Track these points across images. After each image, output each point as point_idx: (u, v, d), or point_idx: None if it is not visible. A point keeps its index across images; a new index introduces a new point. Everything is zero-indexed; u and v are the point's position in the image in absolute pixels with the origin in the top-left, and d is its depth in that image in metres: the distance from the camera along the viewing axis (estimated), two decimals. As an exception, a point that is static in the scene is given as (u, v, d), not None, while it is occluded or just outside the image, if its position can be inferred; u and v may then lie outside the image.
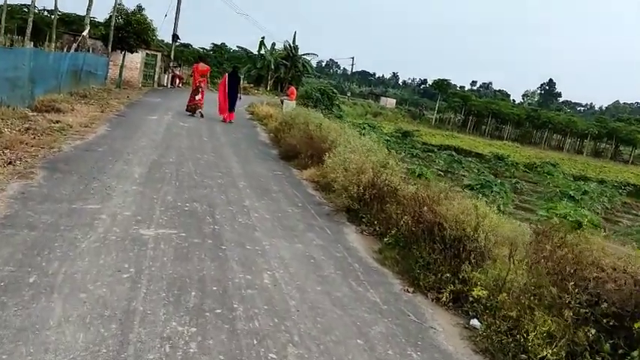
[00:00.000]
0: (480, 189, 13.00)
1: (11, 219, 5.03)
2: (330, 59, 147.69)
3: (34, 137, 9.17)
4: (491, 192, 13.73)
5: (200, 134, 13.35)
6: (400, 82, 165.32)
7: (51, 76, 14.98)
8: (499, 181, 16.22)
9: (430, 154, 21.68)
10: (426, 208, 6.15)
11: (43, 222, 5.08)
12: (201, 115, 17.06)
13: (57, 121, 11.08)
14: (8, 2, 44.66)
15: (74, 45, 20.07)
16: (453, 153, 23.75)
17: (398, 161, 9.59)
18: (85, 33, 20.55)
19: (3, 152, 7.68)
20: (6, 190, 5.86)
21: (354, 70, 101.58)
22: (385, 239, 6.60)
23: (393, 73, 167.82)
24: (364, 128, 23.75)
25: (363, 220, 7.39)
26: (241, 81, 19.58)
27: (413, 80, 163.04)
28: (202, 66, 18.37)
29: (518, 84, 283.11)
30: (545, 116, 70.21)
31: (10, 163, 7.18)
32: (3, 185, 6.04)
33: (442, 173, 17.66)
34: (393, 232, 6.62)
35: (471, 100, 72.75)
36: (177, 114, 17.05)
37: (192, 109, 17.24)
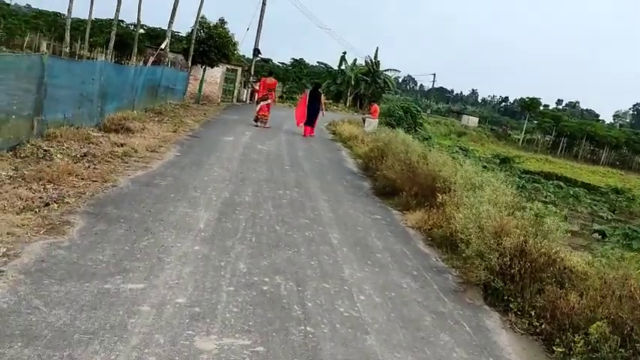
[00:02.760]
0: (626, 239, 10.23)
1: (3, 317, 3.28)
2: (408, 75, 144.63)
3: (89, 166, 7.67)
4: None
5: (281, 161, 11.56)
6: (479, 99, 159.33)
7: (124, 92, 13.85)
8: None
9: (536, 184, 18.75)
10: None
11: (50, 324, 3.29)
12: (264, 124, 17.54)
13: (121, 144, 9.66)
14: (99, 17, 46.17)
15: (151, 58, 19.19)
16: (562, 184, 20.66)
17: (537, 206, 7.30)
18: (163, 45, 19.66)
19: (45, 188, 6.15)
20: (21, 256, 4.18)
21: (431, 87, 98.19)
22: (558, 349, 4.33)
23: (472, 89, 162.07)
24: (456, 152, 21.16)
25: (511, 305, 5.15)
26: (322, 97, 19.01)
27: (493, 97, 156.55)
28: (270, 80, 18.54)
29: (607, 103, 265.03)
30: (649, 139, 63.56)
31: (47, 204, 5.60)
32: (21, 246, 4.37)
33: (555, 209, 14.80)
34: (569, 335, 4.37)
35: (563, 120, 67.32)
36: (256, 134, 15.48)
37: (257, 118, 17.69)
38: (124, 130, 11.70)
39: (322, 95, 19.11)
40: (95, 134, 10.15)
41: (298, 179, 9.77)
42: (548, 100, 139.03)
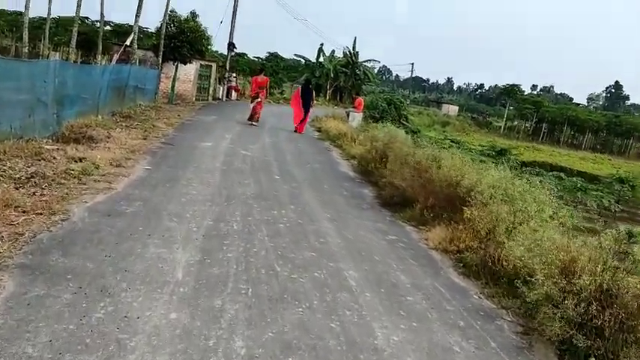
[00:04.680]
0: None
1: None
2: (384, 65, 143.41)
3: (35, 192, 6.14)
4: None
5: (269, 168, 10.11)
6: (455, 87, 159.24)
7: (86, 94, 12.18)
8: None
9: (538, 177, 17.65)
10: None
11: None
12: (252, 124, 17.17)
13: (80, 159, 8.09)
14: (63, 14, 43.74)
15: (116, 56, 17.42)
16: (562, 175, 19.63)
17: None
18: (128, 41, 17.88)
19: (-31, 229, 4.64)
20: None
21: (407, 77, 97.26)
22: None
23: (448, 78, 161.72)
24: (449, 146, 19.92)
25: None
26: (314, 93, 18.99)
27: (468, 85, 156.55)
28: (261, 78, 18.24)
29: (579, 87, 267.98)
30: (628, 122, 63.50)
31: (-34, 257, 4.10)
32: None
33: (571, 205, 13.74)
34: None
35: (544, 106, 66.86)
36: (237, 136, 13.97)
37: (251, 117, 17.48)
38: (86, 139, 10.12)
39: (313, 91, 18.96)
40: (49, 147, 8.57)
41: (292, 192, 8.34)
42: (524, 86, 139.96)
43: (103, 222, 5.46)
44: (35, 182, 6.51)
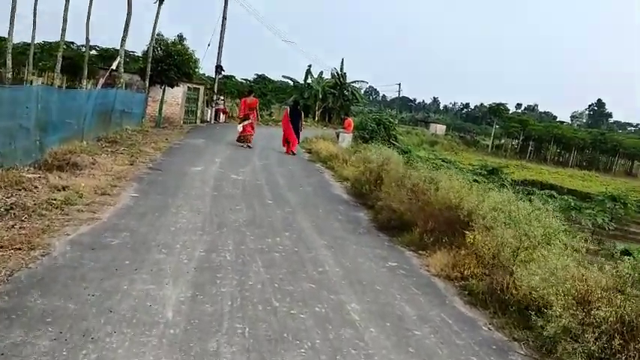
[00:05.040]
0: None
1: None
2: (370, 86, 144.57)
3: (15, 225, 5.78)
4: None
5: (261, 193, 9.80)
6: (441, 106, 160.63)
7: (71, 120, 11.84)
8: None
9: (531, 196, 17.54)
10: None
11: None
12: (248, 143, 17.32)
13: (63, 187, 7.74)
14: (48, 40, 43.49)
15: (101, 80, 17.12)
16: (554, 193, 19.56)
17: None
18: (114, 65, 17.58)
19: (-61, 269, 4.28)
20: None
21: (394, 97, 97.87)
22: None
23: (434, 97, 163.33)
24: (441, 165, 19.74)
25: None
26: (302, 114, 19.54)
27: (454, 104, 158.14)
28: (250, 99, 18.20)
29: (563, 105, 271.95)
30: (613, 139, 64.24)
31: None
32: None
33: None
34: None
35: (530, 124, 67.49)
36: (227, 160, 13.67)
37: (240, 138, 17.50)
38: (70, 166, 9.76)
39: (302, 112, 19.39)
40: (30, 176, 8.21)
41: (286, 218, 8.03)
42: (509, 105, 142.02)
43: (87, 256, 5.11)
44: (14, 214, 6.15)
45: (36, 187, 7.54)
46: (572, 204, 16.75)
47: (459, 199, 7.30)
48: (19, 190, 7.24)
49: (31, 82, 16.00)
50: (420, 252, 7.17)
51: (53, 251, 5.14)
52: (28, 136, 9.41)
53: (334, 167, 15.18)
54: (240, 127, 17.70)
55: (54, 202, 6.86)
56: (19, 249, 5.04)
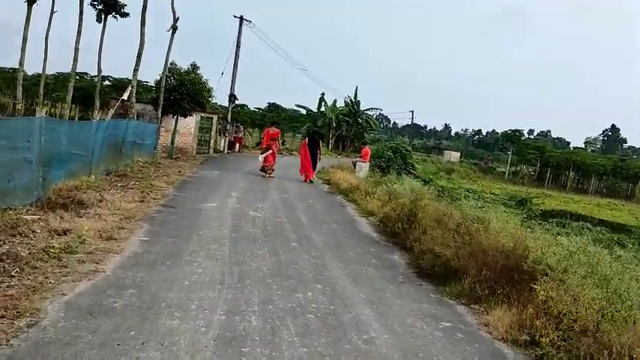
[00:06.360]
0: None
1: None
2: (380, 113, 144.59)
3: (3, 281, 4.88)
4: None
5: (284, 233, 8.85)
6: (453, 133, 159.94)
7: (78, 153, 11.08)
8: None
9: (565, 229, 16.46)
10: None
11: None
12: (270, 173, 17.39)
13: (65, 231, 6.86)
14: (59, 70, 43.55)
15: (112, 110, 16.46)
16: (589, 225, 18.44)
17: None
18: (125, 96, 16.94)
19: None
20: None
21: (405, 124, 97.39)
22: None
23: (445, 124, 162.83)
24: (465, 196, 18.68)
25: None
26: (321, 144, 19.24)
27: (466, 131, 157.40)
28: (273, 130, 18.57)
29: (576, 131, 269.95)
30: (635, 166, 62.66)
31: None
32: None
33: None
34: None
35: (548, 150, 66.24)
36: (244, 193, 12.79)
37: (263, 169, 17.68)
38: (75, 203, 8.95)
39: (320, 142, 19.08)
40: (28, 217, 7.35)
41: (315, 264, 7.04)
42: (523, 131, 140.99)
43: (83, 326, 4.16)
44: (4, 267, 5.25)
45: (33, 232, 6.65)
46: (615, 238, 15.64)
47: (515, 244, 6.30)
48: (14, 236, 6.36)
49: (34, 113, 15.39)
50: (473, 306, 6.14)
51: (43, 319, 4.20)
52: (29, 171, 8.60)
53: (357, 200, 14.23)
54: (261, 158, 17.83)
55: (51, 250, 5.96)
56: (3, 317, 4.12)
